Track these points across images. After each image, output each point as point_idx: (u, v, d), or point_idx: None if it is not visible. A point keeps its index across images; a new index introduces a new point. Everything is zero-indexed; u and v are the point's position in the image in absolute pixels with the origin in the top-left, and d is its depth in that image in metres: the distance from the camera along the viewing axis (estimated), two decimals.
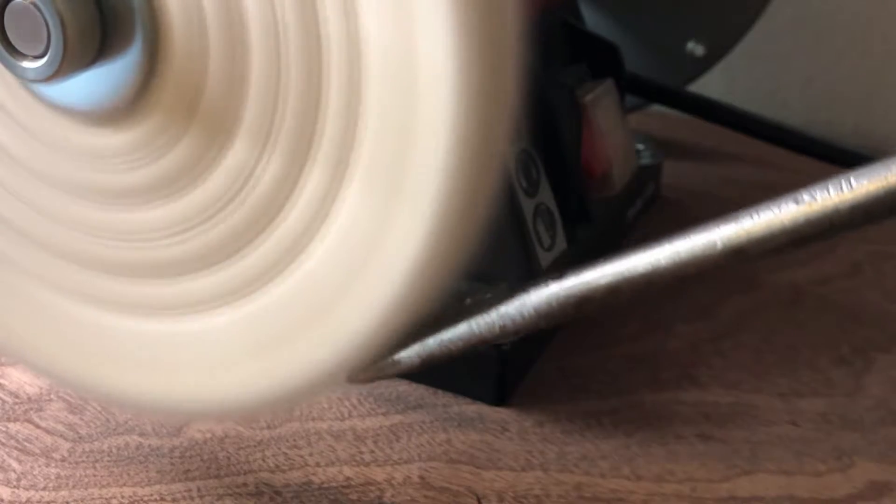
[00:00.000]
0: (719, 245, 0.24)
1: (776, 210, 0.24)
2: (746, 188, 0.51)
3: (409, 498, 0.30)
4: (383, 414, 0.34)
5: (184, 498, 0.30)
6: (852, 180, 0.23)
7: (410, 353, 0.28)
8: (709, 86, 0.54)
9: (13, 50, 0.23)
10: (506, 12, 0.20)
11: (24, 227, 0.27)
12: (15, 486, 0.30)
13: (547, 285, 0.27)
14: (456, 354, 0.28)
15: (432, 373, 0.35)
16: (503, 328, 0.27)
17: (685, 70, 0.52)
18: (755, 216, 0.24)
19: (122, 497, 0.30)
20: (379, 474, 0.31)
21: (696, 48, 0.51)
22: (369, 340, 0.23)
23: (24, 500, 0.30)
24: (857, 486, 0.31)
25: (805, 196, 0.24)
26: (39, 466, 0.31)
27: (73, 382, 0.29)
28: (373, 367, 0.28)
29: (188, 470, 0.31)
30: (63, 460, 0.31)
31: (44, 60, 0.22)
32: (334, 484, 0.30)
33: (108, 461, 0.31)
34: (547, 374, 0.36)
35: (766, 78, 0.62)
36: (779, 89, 0.62)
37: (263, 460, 0.31)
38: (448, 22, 0.19)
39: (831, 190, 0.23)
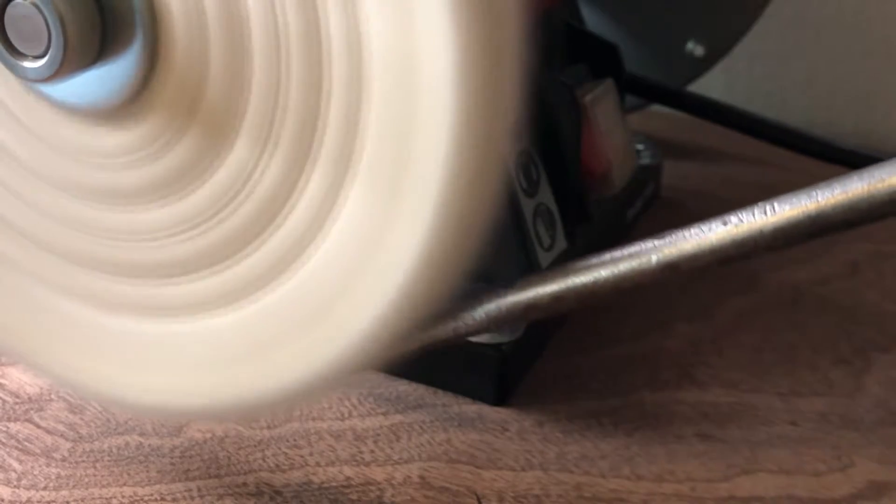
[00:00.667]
0: (654, 260, 0.26)
1: (705, 230, 0.26)
2: (746, 188, 0.51)
3: (409, 498, 0.30)
4: (383, 414, 0.34)
5: (184, 498, 0.30)
6: (776, 205, 0.25)
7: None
8: (709, 86, 0.54)
9: (14, 50, 0.23)
10: (506, 12, 0.20)
11: (23, 227, 0.27)
12: (15, 486, 0.30)
13: (497, 292, 0.29)
14: (412, 357, 0.30)
15: (432, 373, 0.35)
16: (456, 330, 0.29)
17: (685, 70, 0.52)
18: (686, 235, 0.25)
19: (123, 497, 0.30)
20: (379, 474, 0.31)
21: (696, 48, 0.51)
22: (370, 341, 0.23)
23: (24, 499, 0.30)
24: (857, 486, 0.31)
25: (733, 218, 0.25)
26: (40, 466, 0.31)
27: (72, 382, 0.29)
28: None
29: (188, 470, 0.31)
30: (63, 460, 0.31)
31: (44, 60, 0.22)
32: (334, 484, 0.30)
33: (109, 461, 0.31)
34: (547, 374, 0.36)
35: (766, 78, 0.62)
36: (779, 89, 0.62)
37: (263, 460, 0.31)
38: (449, 22, 0.19)
39: (756, 213, 0.25)
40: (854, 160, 0.46)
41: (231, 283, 0.24)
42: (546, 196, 0.36)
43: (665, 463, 0.32)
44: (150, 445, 0.32)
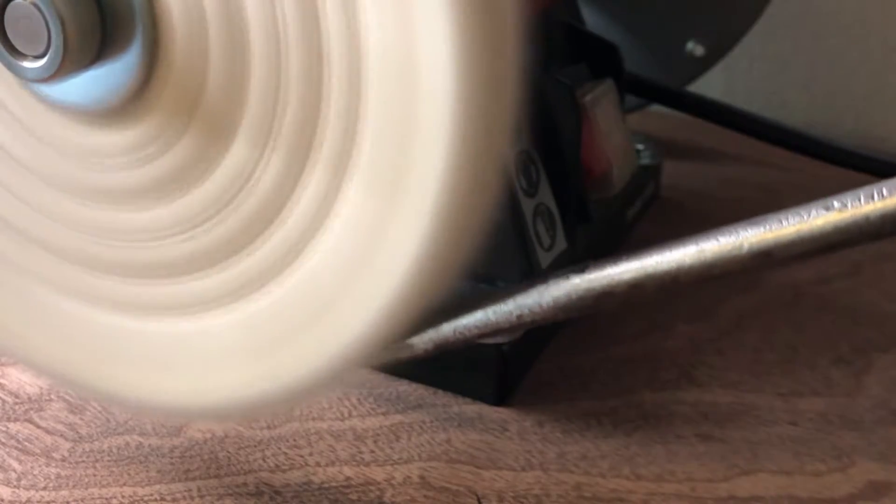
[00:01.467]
0: (745, 247, 0.24)
1: (804, 215, 0.24)
2: (746, 188, 0.51)
3: (409, 498, 0.30)
4: (383, 414, 0.34)
5: (184, 498, 0.30)
6: (884, 190, 0.23)
7: (424, 339, 0.28)
8: (709, 86, 0.54)
9: (13, 50, 0.23)
10: (506, 12, 0.20)
11: (23, 227, 0.27)
12: (15, 486, 0.30)
13: (567, 278, 0.26)
14: (470, 341, 0.28)
15: (432, 373, 0.35)
16: (520, 317, 0.27)
17: (685, 70, 0.52)
18: (783, 221, 0.24)
19: (123, 497, 0.30)
20: (379, 474, 0.31)
21: (696, 48, 0.51)
22: (370, 340, 0.23)
23: (24, 499, 0.30)
24: (857, 486, 0.31)
25: (836, 203, 0.23)
26: (39, 466, 0.31)
27: (73, 382, 0.29)
28: (387, 351, 0.28)
29: (188, 470, 0.31)
30: (63, 460, 0.31)
31: (44, 60, 0.22)
32: (334, 484, 0.30)
33: (109, 461, 0.31)
34: (547, 374, 0.36)
35: (766, 78, 0.62)
36: (779, 89, 0.61)
37: (263, 460, 0.31)
38: (448, 21, 0.19)
39: (862, 198, 0.23)
40: (853, 161, 0.46)
41: (231, 282, 0.24)
42: (546, 196, 0.36)
43: (665, 463, 0.32)
44: (150, 445, 0.32)
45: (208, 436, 0.32)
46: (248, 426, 0.33)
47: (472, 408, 0.34)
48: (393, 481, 0.31)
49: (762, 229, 0.24)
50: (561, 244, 0.37)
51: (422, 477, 0.31)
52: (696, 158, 0.55)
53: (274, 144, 0.22)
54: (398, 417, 0.33)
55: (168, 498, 0.30)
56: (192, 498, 0.30)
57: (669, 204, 0.49)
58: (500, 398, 0.34)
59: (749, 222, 0.24)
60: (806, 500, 0.30)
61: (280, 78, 0.22)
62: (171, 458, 0.31)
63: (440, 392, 0.35)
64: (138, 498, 0.30)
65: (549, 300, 0.27)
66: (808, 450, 0.32)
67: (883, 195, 0.22)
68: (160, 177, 0.24)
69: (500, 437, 0.33)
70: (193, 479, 0.31)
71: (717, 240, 0.24)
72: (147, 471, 0.31)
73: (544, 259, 0.36)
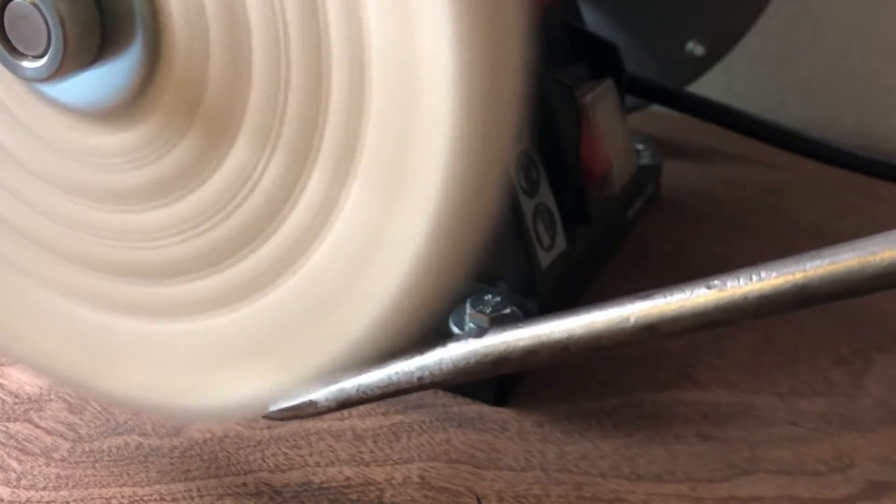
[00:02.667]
0: (632, 321, 0.25)
1: (688, 293, 0.25)
2: (746, 189, 0.51)
3: (409, 498, 0.30)
4: (383, 414, 0.34)
5: (184, 498, 0.30)
6: (762, 272, 0.23)
7: (328, 396, 0.29)
8: (709, 86, 0.54)
9: (13, 50, 0.23)
10: (507, 12, 0.20)
11: (23, 227, 0.27)
12: (15, 486, 0.30)
13: (466, 342, 0.28)
14: (373, 400, 0.29)
15: None
16: (420, 380, 0.28)
17: (685, 70, 0.52)
18: (667, 296, 0.25)
19: (122, 497, 0.30)
20: (379, 474, 0.31)
21: (696, 48, 0.51)
22: (370, 341, 0.23)
23: (24, 499, 0.30)
24: (857, 486, 0.31)
25: (716, 282, 0.24)
26: (39, 466, 0.31)
27: (73, 382, 0.29)
28: (289, 408, 0.29)
29: (188, 470, 0.31)
30: (63, 460, 0.31)
31: (44, 60, 0.22)
32: (334, 484, 0.30)
33: (108, 461, 0.31)
34: (547, 374, 0.36)
35: (766, 78, 0.62)
36: (779, 89, 0.61)
37: (263, 460, 0.31)
38: (449, 21, 0.19)
39: (741, 279, 0.24)
40: (853, 162, 0.46)
41: (231, 283, 0.24)
42: (546, 196, 0.36)
43: (665, 463, 0.32)
44: (149, 445, 0.32)
45: (208, 436, 0.32)
46: (248, 426, 0.33)
47: (472, 408, 0.34)
48: (393, 481, 0.31)
49: (648, 304, 0.25)
50: (561, 244, 0.37)
51: (422, 477, 0.31)
52: (696, 158, 0.55)
53: (275, 144, 0.22)
54: (398, 417, 0.33)
55: (168, 498, 0.30)
56: (192, 498, 0.30)
57: (669, 204, 0.49)
58: (500, 398, 0.34)
59: (636, 296, 0.25)
60: (806, 500, 0.30)
61: (281, 78, 0.22)
62: (171, 458, 0.31)
63: (440, 392, 0.35)
64: (138, 498, 0.30)
65: (449, 363, 0.28)
66: (808, 450, 0.32)
67: (760, 277, 0.24)
68: (161, 177, 0.24)
69: (500, 437, 0.33)
70: (193, 479, 0.31)
71: (606, 312, 0.26)
72: (147, 471, 0.31)
73: (544, 259, 0.36)
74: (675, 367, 0.37)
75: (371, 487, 0.30)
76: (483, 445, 0.32)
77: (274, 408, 0.27)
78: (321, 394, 0.29)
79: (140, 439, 0.32)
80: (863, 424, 0.34)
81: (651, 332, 0.25)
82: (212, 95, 0.23)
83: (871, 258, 0.22)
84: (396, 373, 0.28)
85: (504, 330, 0.28)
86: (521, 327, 0.27)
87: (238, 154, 0.23)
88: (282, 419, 0.29)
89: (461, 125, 0.20)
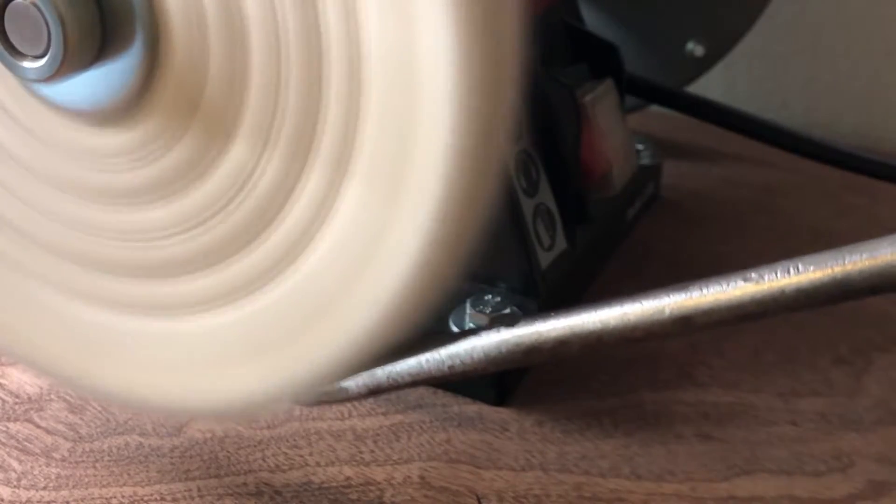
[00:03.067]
0: (667, 312, 0.25)
1: (724, 285, 0.25)
2: (746, 188, 0.51)
3: (409, 498, 0.30)
4: (383, 414, 0.34)
5: (184, 498, 0.30)
6: (800, 265, 0.23)
7: (358, 383, 0.29)
8: (709, 86, 0.54)
9: (13, 50, 0.23)
10: (506, 12, 0.20)
11: (24, 227, 0.27)
12: (15, 486, 0.30)
13: (498, 331, 0.28)
14: (403, 387, 0.29)
15: None
16: (451, 368, 0.28)
17: (685, 70, 0.52)
18: (704, 289, 0.25)
19: (123, 497, 0.30)
20: (379, 474, 0.31)
21: (696, 48, 0.51)
22: (369, 341, 0.23)
23: (24, 499, 0.30)
24: (857, 486, 0.31)
25: (753, 275, 0.24)
26: (39, 466, 0.31)
27: (73, 382, 0.29)
28: (320, 392, 0.28)
29: (188, 470, 0.31)
30: (63, 460, 0.31)
31: (44, 60, 0.22)
32: (334, 484, 0.30)
33: (109, 461, 0.31)
34: (547, 374, 0.36)
35: (766, 78, 0.62)
36: (779, 89, 0.61)
37: (263, 460, 0.31)
38: (448, 22, 0.19)
39: (779, 272, 0.24)
40: (852, 162, 0.46)
41: (231, 282, 0.24)
42: (546, 196, 0.36)
43: (665, 463, 0.32)
44: (150, 445, 0.32)
45: (208, 436, 0.32)
46: (248, 426, 0.33)
47: (472, 408, 0.34)
48: (393, 481, 0.31)
49: (684, 296, 0.25)
50: (561, 244, 0.37)
51: (422, 477, 0.31)
52: (696, 158, 0.55)
53: (274, 144, 0.22)
54: (398, 417, 0.33)
55: (168, 498, 0.30)
56: (192, 498, 0.30)
57: (669, 204, 0.49)
58: (500, 398, 0.34)
59: (671, 288, 0.25)
60: (806, 500, 0.30)
61: (280, 78, 0.22)
62: (171, 458, 0.31)
63: (440, 392, 0.35)
64: (138, 498, 0.30)
65: (481, 352, 0.28)
66: (808, 450, 0.32)
67: (798, 270, 0.23)
68: (160, 177, 0.24)
69: (500, 437, 0.33)
70: (193, 479, 0.31)
71: (641, 304, 0.26)
72: (147, 471, 0.31)
73: (544, 259, 0.36)
74: (675, 367, 0.37)
75: (371, 487, 0.30)
76: (483, 445, 0.32)
77: (305, 394, 0.27)
78: (352, 380, 0.28)
79: (140, 439, 0.32)
80: (862, 424, 0.34)
81: (686, 323, 0.25)
82: (211, 95, 0.23)
83: None
84: (427, 360, 0.28)
85: (536, 320, 0.27)
86: (553, 317, 0.27)
87: (237, 154, 0.23)
88: (312, 404, 0.29)
89: (460, 125, 0.20)
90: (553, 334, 0.27)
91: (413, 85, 0.20)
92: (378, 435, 0.33)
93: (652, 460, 0.32)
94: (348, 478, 0.31)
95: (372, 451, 0.32)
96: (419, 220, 0.21)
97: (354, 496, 0.30)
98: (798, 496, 0.30)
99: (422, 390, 0.35)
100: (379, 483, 0.30)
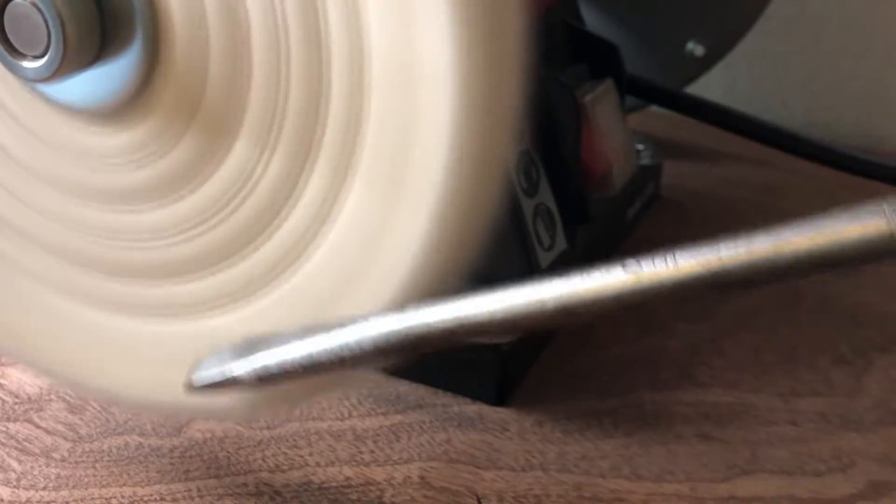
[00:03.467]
0: (550, 303, 0.25)
1: (605, 275, 0.25)
2: (746, 188, 0.51)
3: (409, 498, 0.30)
4: (383, 414, 0.34)
5: (184, 498, 0.30)
6: (677, 257, 0.23)
7: (248, 370, 0.28)
8: (709, 86, 0.54)
9: (13, 50, 0.23)
10: (507, 12, 0.20)
11: (24, 227, 0.27)
12: (15, 486, 0.30)
13: (385, 316, 0.27)
14: (294, 378, 0.28)
15: (432, 373, 0.35)
16: (341, 358, 0.27)
17: (685, 70, 0.52)
18: (585, 278, 0.25)
19: (122, 497, 0.30)
20: (379, 474, 0.31)
21: (696, 48, 0.51)
22: (370, 341, 0.23)
23: (24, 499, 0.30)
24: (857, 486, 0.31)
25: (633, 266, 0.25)
26: (39, 466, 0.31)
27: (73, 382, 0.29)
28: (211, 385, 0.28)
29: (188, 470, 0.31)
30: (63, 460, 0.31)
31: (44, 60, 0.22)
32: (334, 484, 0.30)
33: (108, 461, 0.31)
34: (547, 374, 0.36)
35: (766, 78, 0.62)
36: (779, 89, 0.61)
37: (263, 460, 0.31)
38: (449, 20, 0.19)
39: (656, 263, 0.24)
40: (852, 164, 0.46)
41: (232, 282, 0.24)
42: (546, 196, 0.36)
43: (665, 463, 0.32)
44: (150, 445, 0.32)
45: (208, 436, 0.32)
46: (248, 426, 0.33)
47: (472, 408, 0.34)
48: (393, 481, 0.31)
49: (566, 285, 0.25)
50: (561, 244, 0.37)
51: (422, 477, 0.31)
52: (696, 158, 0.55)
53: (275, 144, 0.22)
54: (398, 417, 0.33)
55: (168, 498, 0.30)
56: (192, 498, 0.30)
57: (669, 204, 0.49)
58: (500, 398, 0.34)
59: (553, 277, 0.25)
60: (806, 501, 0.30)
61: (281, 77, 0.22)
62: (171, 458, 0.31)
63: (440, 392, 0.35)
64: (138, 498, 0.30)
65: (369, 341, 0.27)
66: (808, 450, 0.32)
67: (676, 262, 0.24)
68: (161, 177, 0.24)
69: (500, 437, 0.33)
70: (193, 479, 0.31)
71: (521, 293, 0.25)
72: (147, 471, 0.31)
73: (544, 259, 0.36)
74: (675, 367, 0.37)
75: (371, 487, 0.30)
76: (483, 445, 0.32)
77: (196, 383, 0.26)
78: (242, 370, 0.28)
79: (140, 439, 0.32)
80: (863, 424, 0.34)
81: (571, 315, 0.25)
82: (212, 95, 0.23)
83: (784, 245, 0.22)
84: (316, 349, 0.28)
85: (423, 307, 0.27)
86: (440, 305, 0.27)
87: (238, 154, 0.23)
88: (204, 394, 0.28)
89: (461, 125, 0.20)
90: (440, 325, 0.27)
91: (414, 84, 0.20)
92: (378, 435, 0.33)
93: (652, 460, 0.32)
94: (348, 478, 0.31)
95: (372, 451, 0.32)
96: (420, 221, 0.21)
97: (354, 496, 0.30)
98: (798, 496, 0.30)
99: (422, 390, 0.35)
100: (379, 483, 0.30)
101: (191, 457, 0.32)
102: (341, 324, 0.26)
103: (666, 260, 0.23)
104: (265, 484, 0.30)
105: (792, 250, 0.22)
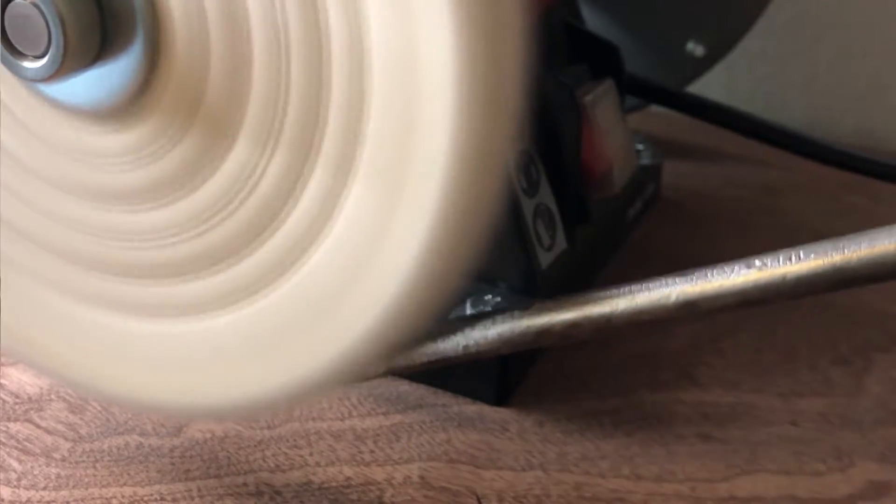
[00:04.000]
0: (673, 297, 0.26)
1: (728, 272, 0.26)
2: (746, 188, 0.51)
3: (409, 498, 0.30)
4: (383, 414, 0.34)
5: (184, 498, 0.30)
6: (801, 253, 0.24)
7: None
8: (709, 86, 0.54)
9: (14, 50, 0.23)
10: (507, 12, 0.20)
11: (24, 228, 0.27)
12: (15, 486, 0.30)
13: (512, 314, 0.29)
14: (416, 370, 0.30)
15: (432, 373, 0.35)
16: (466, 348, 0.29)
17: (685, 70, 0.52)
18: (709, 275, 0.26)
19: (123, 497, 0.30)
20: (379, 474, 0.31)
21: (696, 48, 0.51)
22: (371, 341, 0.23)
23: (24, 499, 0.30)
24: (856, 486, 0.31)
25: (757, 262, 0.25)
26: (40, 466, 0.31)
27: (74, 382, 0.29)
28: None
29: (188, 470, 0.31)
30: (63, 460, 0.31)
31: (44, 60, 0.22)
32: (334, 484, 0.30)
33: (109, 461, 0.31)
34: (547, 374, 0.36)
35: (767, 78, 0.62)
36: (779, 90, 0.62)
37: (263, 460, 0.31)
38: (450, 20, 0.19)
39: (781, 259, 0.25)
40: (852, 163, 0.46)
41: (232, 282, 0.24)
42: (546, 196, 0.36)
43: (665, 463, 0.32)
44: (150, 445, 0.32)
45: (208, 436, 0.32)
46: (248, 426, 0.33)
47: (472, 408, 0.34)
48: (393, 481, 0.31)
49: (689, 282, 0.26)
50: (561, 244, 0.37)
51: (422, 477, 0.31)
52: (696, 158, 0.55)
53: (275, 144, 0.22)
54: (398, 417, 0.33)
55: (168, 498, 0.30)
56: (192, 498, 0.30)
57: (669, 204, 0.49)
58: (500, 398, 0.34)
59: (678, 274, 0.27)
60: (806, 500, 0.30)
61: (281, 77, 0.22)
62: (171, 458, 0.31)
63: (440, 392, 0.35)
64: (138, 498, 0.30)
65: (495, 334, 0.29)
66: (808, 450, 0.32)
67: (800, 258, 0.24)
68: (162, 177, 0.24)
69: (500, 437, 0.33)
70: (193, 479, 0.31)
71: (648, 288, 0.26)
72: (147, 471, 0.31)
73: (544, 259, 0.36)
74: (675, 367, 0.37)
75: (371, 487, 0.30)
76: (483, 445, 0.32)
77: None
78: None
79: (140, 439, 0.32)
80: (863, 424, 0.34)
81: (692, 308, 0.26)
82: (212, 95, 0.23)
83: None
84: (443, 342, 0.29)
85: (547, 302, 0.28)
86: (563, 300, 0.28)
87: (239, 154, 0.23)
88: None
89: (462, 125, 0.20)
90: (565, 317, 0.28)
91: (414, 84, 0.20)
92: (378, 435, 0.33)
93: (652, 460, 0.32)
94: (348, 478, 0.31)
95: (372, 451, 0.32)
96: (421, 220, 0.21)
97: (354, 496, 0.30)
98: (798, 496, 0.30)
99: (422, 390, 0.35)
100: (379, 483, 0.30)
101: (191, 457, 0.32)
102: (468, 319, 0.28)
103: (791, 257, 0.24)
104: (265, 484, 0.30)
105: None
